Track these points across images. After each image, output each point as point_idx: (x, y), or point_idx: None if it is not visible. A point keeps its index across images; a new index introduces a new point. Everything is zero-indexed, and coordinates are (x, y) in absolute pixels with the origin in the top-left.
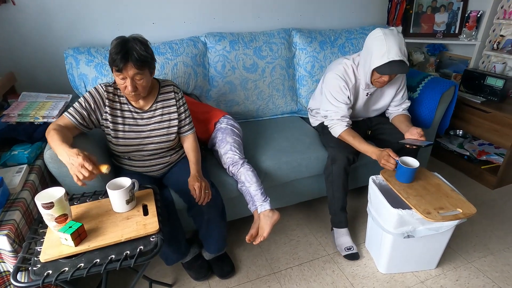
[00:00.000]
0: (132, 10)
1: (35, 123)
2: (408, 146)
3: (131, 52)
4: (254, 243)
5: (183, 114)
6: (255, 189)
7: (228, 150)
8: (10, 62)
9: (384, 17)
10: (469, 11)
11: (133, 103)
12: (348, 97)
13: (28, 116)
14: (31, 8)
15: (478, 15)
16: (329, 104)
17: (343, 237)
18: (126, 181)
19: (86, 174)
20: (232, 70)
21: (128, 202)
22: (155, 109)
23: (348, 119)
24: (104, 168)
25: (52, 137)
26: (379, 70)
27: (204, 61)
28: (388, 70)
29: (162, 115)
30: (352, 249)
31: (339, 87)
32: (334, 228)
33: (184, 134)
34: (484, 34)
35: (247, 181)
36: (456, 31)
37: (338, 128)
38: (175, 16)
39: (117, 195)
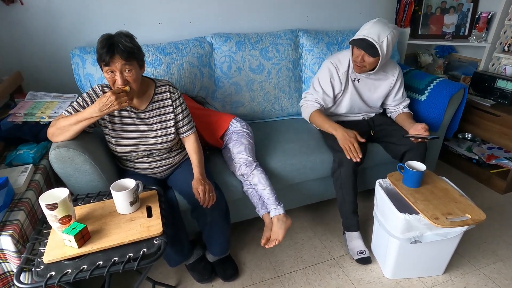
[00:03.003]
0: (138, 10)
1: (41, 123)
2: (413, 139)
3: (116, 45)
4: (267, 247)
5: (181, 115)
6: (269, 193)
7: (242, 151)
8: (17, 62)
9: (393, 18)
10: (479, 12)
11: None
12: (333, 88)
13: (34, 116)
14: (38, 8)
15: (489, 17)
16: (312, 87)
17: (355, 240)
18: (130, 183)
19: (113, 95)
20: (238, 71)
21: (132, 203)
22: (152, 110)
23: (322, 104)
24: (126, 88)
25: (62, 121)
26: (352, 42)
27: (210, 61)
28: (356, 43)
29: (159, 115)
30: (364, 253)
31: (328, 74)
32: (346, 232)
33: (184, 134)
34: (495, 36)
35: (260, 183)
36: (466, 33)
37: (310, 108)
38: (181, 16)
39: (121, 197)
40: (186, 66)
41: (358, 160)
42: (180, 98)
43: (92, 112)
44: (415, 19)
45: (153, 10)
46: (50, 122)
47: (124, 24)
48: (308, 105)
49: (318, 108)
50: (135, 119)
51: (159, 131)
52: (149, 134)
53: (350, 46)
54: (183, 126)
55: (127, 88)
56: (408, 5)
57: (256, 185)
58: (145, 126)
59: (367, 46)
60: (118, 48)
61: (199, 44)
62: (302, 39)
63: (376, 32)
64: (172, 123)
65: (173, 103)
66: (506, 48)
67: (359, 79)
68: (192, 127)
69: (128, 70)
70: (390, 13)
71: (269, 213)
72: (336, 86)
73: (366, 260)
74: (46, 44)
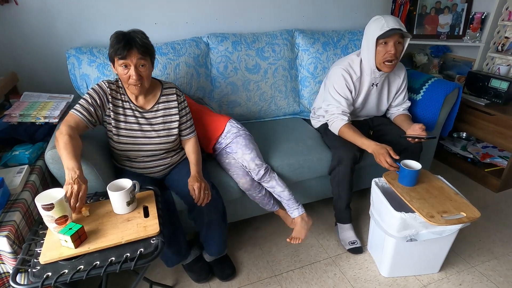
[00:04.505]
0: (134, 10)
1: (37, 123)
2: (410, 139)
3: (133, 40)
4: (288, 240)
5: (185, 117)
6: (289, 193)
7: (255, 157)
8: (12, 62)
9: None
10: (473, 13)
11: (134, 101)
12: (351, 92)
13: (30, 116)
14: (33, 8)
15: (483, 17)
16: (331, 98)
17: (347, 231)
18: (127, 183)
19: (73, 200)
20: (234, 71)
21: (128, 203)
22: (157, 110)
23: (348, 115)
24: (84, 212)
25: (66, 145)
26: (382, 35)
27: (207, 61)
28: (391, 33)
29: (164, 116)
30: (356, 243)
31: (343, 80)
32: (338, 223)
33: (186, 137)
34: (489, 36)
35: (279, 185)
36: (460, 33)
37: (338, 122)
38: (177, 16)
39: (117, 197)
40: (182, 66)
41: (396, 170)
42: (185, 102)
43: (66, 170)
44: (410, 19)
45: (149, 10)
46: (45, 123)
47: (120, 24)
48: (335, 119)
49: (347, 122)
50: (139, 118)
51: (162, 132)
52: (152, 134)
53: (375, 46)
54: (185, 129)
55: (86, 214)
56: (403, 5)
57: (274, 187)
58: (149, 126)
59: (400, 31)
60: (136, 42)
61: (195, 44)
62: (298, 39)
63: (394, 20)
64: (176, 124)
65: (179, 106)
66: (499, 48)
67: (377, 83)
68: (193, 130)
69: (143, 65)
70: (385, 13)
71: (283, 209)
72: (352, 91)
73: (358, 250)
74: (41, 44)
